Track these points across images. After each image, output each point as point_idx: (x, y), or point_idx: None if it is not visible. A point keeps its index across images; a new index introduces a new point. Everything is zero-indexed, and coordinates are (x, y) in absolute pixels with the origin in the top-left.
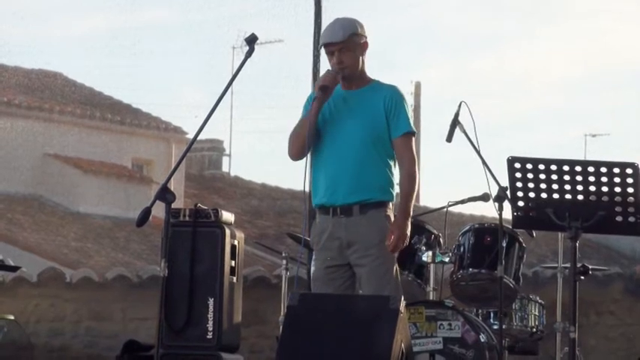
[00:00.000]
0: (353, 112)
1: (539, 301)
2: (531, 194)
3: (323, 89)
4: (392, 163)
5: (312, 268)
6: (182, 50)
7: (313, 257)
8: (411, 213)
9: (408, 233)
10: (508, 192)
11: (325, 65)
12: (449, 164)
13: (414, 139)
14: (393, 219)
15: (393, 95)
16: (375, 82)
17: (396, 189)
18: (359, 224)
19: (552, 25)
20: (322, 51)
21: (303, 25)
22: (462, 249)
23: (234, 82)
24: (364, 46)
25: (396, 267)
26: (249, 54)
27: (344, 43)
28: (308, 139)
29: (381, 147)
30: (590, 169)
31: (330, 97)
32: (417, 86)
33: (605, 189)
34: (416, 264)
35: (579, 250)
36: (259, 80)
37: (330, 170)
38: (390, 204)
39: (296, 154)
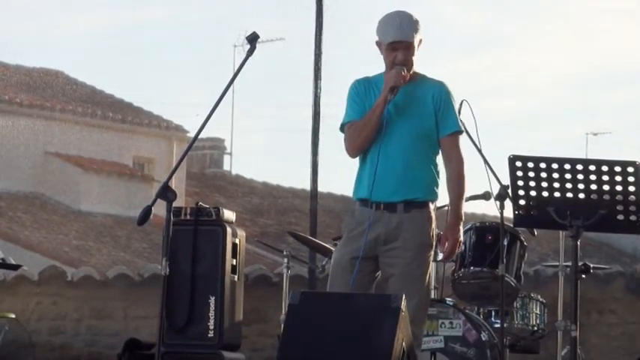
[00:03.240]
0: (401, 108)
1: (541, 299)
2: (532, 193)
3: (393, 90)
4: (437, 162)
5: (336, 254)
6: (183, 48)
7: (341, 244)
8: (463, 217)
9: (462, 238)
10: (509, 190)
11: (327, 65)
12: None
13: (461, 137)
14: (434, 219)
15: (441, 92)
16: (421, 76)
17: (441, 189)
18: (401, 222)
19: (554, 23)
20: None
21: (305, 24)
22: (463, 247)
23: (235, 81)
24: (420, 44)
25: (430, 273)
26: (250, 52)
27: (411, 43)
28: (370, 138)
29: (428, 144)
30: (592, 167)
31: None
32: None
33: (606, 187)
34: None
35: (580, 248)
36: (260, 78)
37: (376, 166)
38: (432, 204)
39: (357, 150)
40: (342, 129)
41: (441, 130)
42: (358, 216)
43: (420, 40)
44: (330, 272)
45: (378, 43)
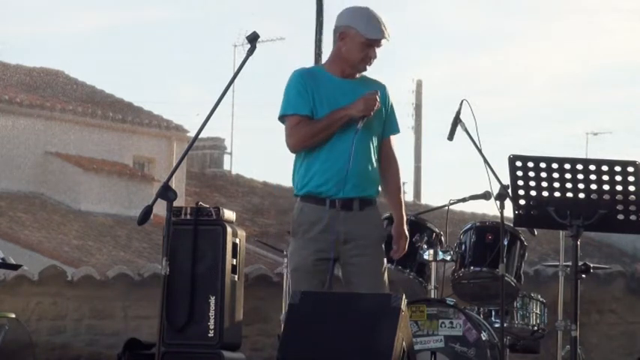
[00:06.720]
0: None
1: (541, 299)
2: (533, 192)
3: (363, 119)
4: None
5: (296, 257)
6: (183, 48)
7: (298, 245)
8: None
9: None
10: (509, 190)
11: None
12: (450, 162)
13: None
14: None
15: (387, 93)
16: (363, 75)
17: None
18: (358, 220)
19: (554, 22)
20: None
21: (305, 24)
22: (463, 247)
23: (235, 81)
24: None
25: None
26: (250, 52)
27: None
28: (318, 144)
29: (376, 143)
30: (592, 167)
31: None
32: (419, 84)
33: (606, 187)
34: (417, 262)
35: (580, 248)
36: (260, 78)
37: (334, 163)
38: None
39: (303, 150)
40: (282, 117)
41: (387, 130)
42: (308, 215)
43: None
44: (291, 277)
45: (344, 33)
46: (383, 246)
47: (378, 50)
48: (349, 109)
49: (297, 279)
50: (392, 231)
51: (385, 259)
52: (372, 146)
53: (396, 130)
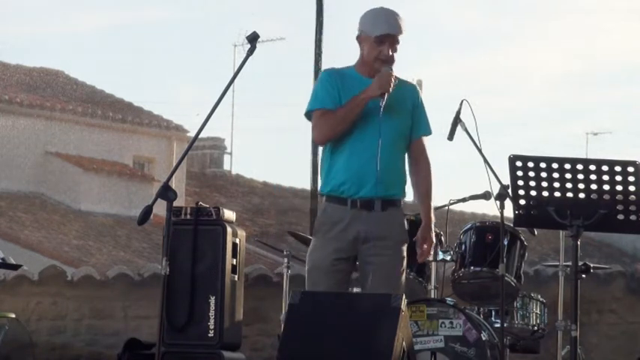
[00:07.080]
0: (384, 105)
1: (541, 299)
2: (533, 192)
3: (383, 95)
4: (406, 160)
5: (314, 256)
6: (183, 48)
7: (318, 244)
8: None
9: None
10: (509, 190)
11: (327, 64)
12: (450, 162)
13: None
14: (407, 220)
15: (417, 93)
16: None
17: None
18: (380, 220)
19: (554, 21)
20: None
21: (305, 24)
22: (463, 247)
23: (235, 81)
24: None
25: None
26: (250, 52)
27: (398, 38)
28: (346, 131)
29: (403, 143)
30: (592, 167)
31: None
32: (419, 84)
33: (606, 187)
34: (417, 262)
35: (581, 248)
36: (261, 78)
37: (356, 161)
38: (402, 201)
39: (329, 140)
40: (309, 113)
41: (415, 131)
42: (331, 215)
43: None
44: (308, 275)
45: (360, 38)
46: (404, 248)
47: (396, 47)
48: (366, 91)
49: (314, 277)
50: (417, 234)
51: (405, 262)
52: (396, 145)
53: (427, 131)
